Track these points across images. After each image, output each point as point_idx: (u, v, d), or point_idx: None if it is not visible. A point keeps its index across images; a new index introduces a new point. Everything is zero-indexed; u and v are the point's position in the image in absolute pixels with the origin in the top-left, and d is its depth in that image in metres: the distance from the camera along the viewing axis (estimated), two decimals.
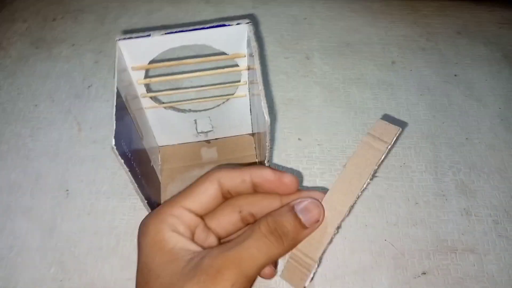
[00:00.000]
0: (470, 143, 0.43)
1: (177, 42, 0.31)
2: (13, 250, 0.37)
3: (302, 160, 0.42)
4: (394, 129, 0.24)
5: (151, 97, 0.36)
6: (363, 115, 0.45)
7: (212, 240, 0.25)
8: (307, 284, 0.24)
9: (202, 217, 0.25)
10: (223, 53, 0.33)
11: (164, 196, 0.39)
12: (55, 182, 0.41)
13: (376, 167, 0.24)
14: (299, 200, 0.24)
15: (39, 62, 0.50)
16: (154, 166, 0.38)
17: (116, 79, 0.28)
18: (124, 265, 0.36)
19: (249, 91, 0.37)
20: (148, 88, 0.35)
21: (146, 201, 0.31)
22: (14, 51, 0.51)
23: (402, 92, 0.47)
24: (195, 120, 0.40)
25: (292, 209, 0.23)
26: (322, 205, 0.24)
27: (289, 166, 0.42)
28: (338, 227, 0.24)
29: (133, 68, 0.32)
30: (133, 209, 0.39)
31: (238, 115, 0.40)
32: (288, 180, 0.24)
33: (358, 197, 0.24)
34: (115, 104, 0.27)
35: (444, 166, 0.42)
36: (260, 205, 0.25)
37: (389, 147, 0.24)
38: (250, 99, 0.38)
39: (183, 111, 0.39)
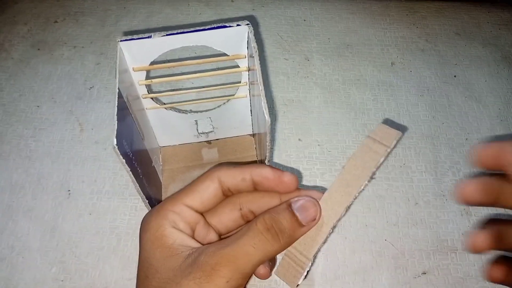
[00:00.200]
0: (470, 144, 0.44)
1: (178, 43, 0.31)
2: (15, 250, 0.37)
3: (303, 160, 0.43)
4: (395, 134, 0.24)
5: (152, 98, 0.36)
6: (363, 116, 0.46)
7: (212, 237, 0.25)
8: (300, 281, 0.24)
9: (202, 214, 0.25)
10: (224, 54, 0.33)
11: (165, 196, 0.39)
12: (56, 182, 0.41)
13: (375, 170, 0.24)
14: (296, 198, 0.24)
15: (41, 64, 0.50)
16: (155, 166, 0.38)
17: (117, 79, 0.28)
18: (125, 265, 0.36)
19: (249, 92, 0.37)
20: (149, 89, 0.36)
21: (147, 201, 0.31)
22: (15, 53, 0.51)
23: (402, 93, 0.48)
24: (196, 121, 0.40)
25: (289, 206, 0.24)
26: (319, 204, 0.24)
27: (289, 166, 0.42)
28: (334, 227, 0.24)
29: (134, 69, 0.33)
30: (134, 209, 0.39)
31: (238, 116, 0.40)
32: (287, 178, 0.24)
33: (355, 198, 0.24)
34: (116, 104, 0.27)
35: (444, 166, 0.42)
36: (259, 203, 0.26)
37: (389, 150, 0.24)
38: (250, 100, 0.38)
39: (184, 111, 0.39)
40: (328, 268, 0.36)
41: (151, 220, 0.24)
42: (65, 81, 0.48)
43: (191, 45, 0.31)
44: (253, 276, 0.30)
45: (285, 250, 0.24)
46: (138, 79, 0.34)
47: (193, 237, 0.24)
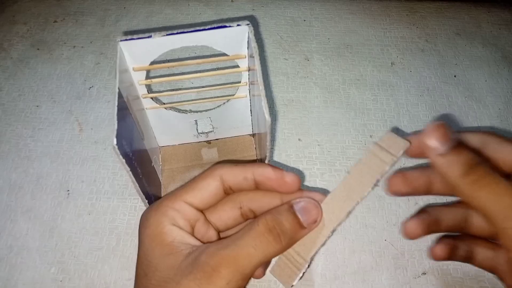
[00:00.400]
0: None
1: (178, 43, 0.31)
2: (13, 250, 0.37)
3: (302, 160, 0.42)
4: (402, 143, 0.24)
5: (152, 98, 0.36)
6: (363, 116, 0.46)
7: (211, 234, 0.25)
8: (295, 282, 0.24)
9: (202, 211, 0.25)
10: (224, 54, 0.33)
11: None
12: (56, 182, 0.41)
13: (380, 178, 0.24)
14: (298, 200, 0.24)
15: (40, 64, 0.50)
16: (155, 166, 0.38)
17: (117, 79, 0.28)
18: (125, 265, 0.36)
19: (249, 92, 0.37)
20: (149, 89, 0.36)
21: (147, 201, 0.31)
22: (15, 52, 0.51)
23: (402, 93, 0.48)
24: (196, 121, 0.40)
25: (291, 208, 0.23)
26: (321, 206, 0.24)
27: (289, 166, 0.42)
28: (333, 231, 0.24)
29: (134, 69, 0.33)
30: (134, 209, 0.39)
31: (238, 116, 0.40)
32: (290, 179, 0.24)
33: (357, 204, 0.24)
34: (116, 104, 0.27)
35: None
36: (260, 202, 0.25)
37: (395, 160, 0.24)
38: (250, 100, 0.38)
39: (184, 111, 0.39)
40: (327, 268, 0.36)
41: (150, 216, 0.24)
42: (65, 81, 0.48)
43: (191, 45, 0.31)
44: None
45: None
46: (138, 79, 0.34)
47: (192, 234, 0.24)
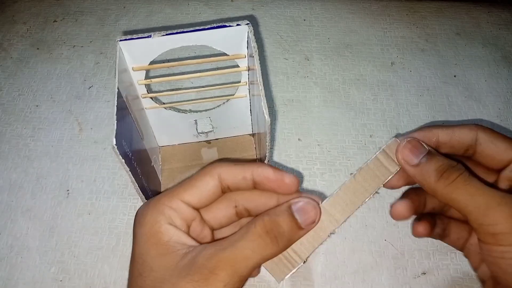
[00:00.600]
0: None
1: (177, 42, 0.31)
2: (13, 250, 0.37)
3: (302, 160, 0.42)
4: None
5: (151, 98, 0.36)
6: (363, 116, 0.46)
7: (206, 233, 0.25)
8: (286, 277, 0.24)
9: (199, 210, 0.25)
10: (223, 54, 0.33)
11: None
12: (55, 182, 0.41)
13: (382, 186, 0.25)
14: (296, 200, 0.24)
15: (40, 63, 0.50)
16: (154, 166, 0.38)
17: (117, 79, 0.28)
18: (124, 265, 0.36)
19: (249, 91, 0.37)
20: (149, 89, 0.36)
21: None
22: (15, 52, 0.51)
23: (402, 92, 0.48)
24: (196, 121, 0.40)
25: (289, 208, 0.23)
26: (319, 206, 0.24)
27: (289, 166, 0.42)
28: (332, 233, 0.24)
29: (134, 69, 0.33)
30: (134, 209, 0.39)
31: (238, 116, 0.40)
32: (289, 180, 0.24)
33: (358, 208, 0.24)
34: (116, 104, 0.27)
35: None
36: (256, 202, 0.25)
37: (399, 169, 0.25)
38: (250, 100, 0.38)
39: (184, 111, 0.39)
40: (327, 268, 0.36)
41: (147, 214, 0.23)
42: (64, 81, 0.48)
43: (191, 44, 0.31)
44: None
45: None
46: (138, 78, 0.34)
47: (188, 233, 0.24)
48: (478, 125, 0.26)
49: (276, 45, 0.52)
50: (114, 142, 0.25)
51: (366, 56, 0.51)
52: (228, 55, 0.33)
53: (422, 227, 0.28)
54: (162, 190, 0.40)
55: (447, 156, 0.25)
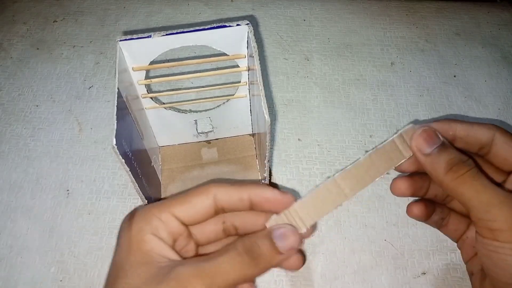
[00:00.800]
0: None
1: (177, 42, 0.31)
2: (13, 250, 0.37)
3: (302, 160, 0.42)
4: None
5: (151, 98, 0.36)
6: (363, 116, 0.46)
7: (190, 248, 0.25)
8: None
9: (188, 226, 0.25)
10: (223, 54, 0.33)
11: (164, 196, 0.39)
12: (55, 182, 0.41)
13: (394, 168, 0.26)
14: (277, 226, 0.24)
15: (40, 63, 0.50)
16: (154, 166, 0.38)
17: (117, 79, 0.28)
18: None
19: (249, 91, 0.37)
20: (149, 89, 0.36)
21: (146, 201, 0.31)
22: (15, 52, 0.51)
23: (402, 93, 0.48)
24: (195, 121, 0.40)
25: (269, 234, 0.23)
26: (299, 234, 0.24)
27: (289, 166, 0.42)
28: (339, 206, 0.25)
29: (134, 69, 0.33)
30: None
31: (238, 116, 0.40)
32: (286, 199, 0.24)
33: (365, 187, 0.25)
34: (116, 104, 0.27)
35: None
36: (244, 219, 0.25)
37: (412, 155, 0.26)
38: (250, 100, 0.38)
39: (184, 111, 0.39)
40: (327, 268, 0.36)
41: (133, 222, 0.23)
42: (64, 81, 0.48)
43: (191, 44, 0.31)
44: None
45: (286, 211, 0.24)
46: (138, 78, 0.34)
47: (173, 247, 0.23)
48: (497, 126, 0.26)
49: (276, 45, 0.52)
50: (114, 142, 0.25)
51: (366, 56, 0.51)
52: (228, 55, 0.33)
53: (416, 208, 0.28)
54: (162, 190, 0.40)
55: (460, 151, 0.25)
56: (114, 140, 0.25)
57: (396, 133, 0.26)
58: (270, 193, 0.24)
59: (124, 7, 0.55)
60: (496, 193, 0.23)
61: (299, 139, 0.44)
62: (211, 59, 0.33)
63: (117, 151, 0.25)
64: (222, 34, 0.31)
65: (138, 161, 0.30)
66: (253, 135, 0.43)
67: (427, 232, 0.38)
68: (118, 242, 0.23)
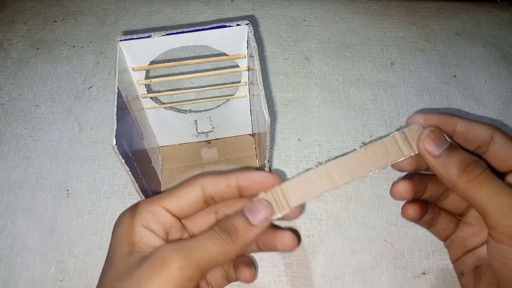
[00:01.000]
0: None
1: (177, 42, 0.31)
2: (13, 250, 0.37)
3: (302, 160, 0.42)
4: None
5: (151, 98, 0.36)
6: (363, 116, 0.46)
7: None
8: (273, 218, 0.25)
9: (180, 219, 0.25)
10: (223, 54, 0.33)
11: None
12: (55, 182, 0.41)
13: (390, 164, 0.25)
14: (250, 202, 0.25)
15: (40, 63, 0.50)
16: (154, 166, 0.38)
17: (117, 79, 0.28)
18: None
19: (249, 91, 0.37)
20: (149, 89, 0.36)
21: None
22: (15, 52, 0.51)
23: (402, 93, 0.48)
24: (196, 121, 0.40)
25: (242, 210, 0.24)
26: (271, 205, 0.25)
27: (289, 166, 0.42)
28: (326, 192, 0.25)
29: (134, 69, 0.33)
30: None
31: (238, 116, 0.40)
32: (274, 179, 0.25)
33: (358, 178, 0.25)
34: (116, 103, 0.27)
35: None
36: (235, 207, 0.26)
37: (413, 155, 0.25)
38: (250, 100, 0.38)
39: (184, 111, 0.39)
40: (327, 268, 0.36)
41: (124, 216, 0.24)
42: (64, 81, 0.48)
43: (191, 44, 0.31)
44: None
45: (273, 190, 0.25)
46: (138, 78, 0.34)
47: (166, 239, 0.24)
48: (495, 126, 0.26)
49: (276, 45, 0.52)
50: (114, 142, 0.25)
51: (366, 56, 0.51)
52: (228, 55, 0.33)
53: (412, 209, 0.28)
54: (162, 190, 0.40)
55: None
56: (114, 140, 0.25)
57: (397, 130, 0.25)
58: (256, 175, 0.25)
59: (124, 7, 0.55)
60: None
61: (299, 139, 0.44)
62: (211, 59, 0.33)
63: (117, 151, 0.25)
64: (222, 34, 0.31)
65: (138, 161, 0.30)
66: (253, 135, 0.43)
67: (427, 232, 0.38)
68: (111, 238, 0.24)
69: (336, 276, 0.36)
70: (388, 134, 0.25)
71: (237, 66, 0.34)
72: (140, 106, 0.36)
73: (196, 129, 0.41)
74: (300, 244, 0.37)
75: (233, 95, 0.38)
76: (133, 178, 0.28)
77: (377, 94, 0.47)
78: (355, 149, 0.25)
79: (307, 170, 0.25)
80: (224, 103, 0.38)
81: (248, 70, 0.34)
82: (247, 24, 0.30)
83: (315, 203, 0.39)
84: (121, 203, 0.40)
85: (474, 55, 0.51)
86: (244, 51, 0.33)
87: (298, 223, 0.38)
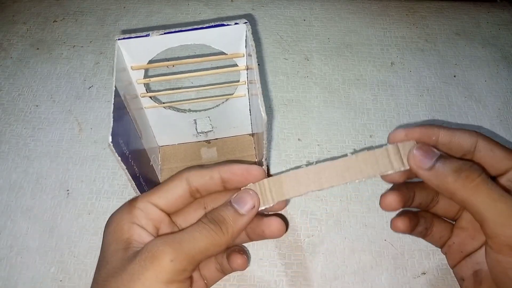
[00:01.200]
0: None
1: (176, 41, 0.31)
2: (13, 250, 0.37)
3: (302, 160, 0.42)
4: None
5: (150, 97, 0.36)
6: (363, 116, 0.46)
7: None
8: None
9: (169, 214, 0.26)
10: (222, 53, 0.33)
11: None
12: (55, 182, 0.41)
13: (378, 175, 0.25)
14: (236, 193, 0.25)
15: (40, 63, 0.50)
16: (153, 165, 0.38)
17: (114, 77, 0.28)
18: None
19: (248, 91, 0.37)
20: (148, 88, 0.36)
21: None
22: (15, 52, 0.51)
23: (402, 93, 0.48)
24: (195, 120, 0.40)
25: (229, 201, 0.25)
26: (257, 194, 0.25)
27: (289, 166, 0.42)
28: (310, 192, 0.25)
29: (133, 68, 0.33)
30: None
31: (237, 115, 0.40)
32: (256, 172, 0.25)
33: (342, 184, 0.25)
34: (113, 102, 0.27)
35: None
36: (223, 201, 0.26)
37: (402, 170, 0.25)
38: (249, 99, 0.38)
39: (183, 111, 0.39)
40: (327, 268, 0.36)
41: (114, 214, 0.25)
42: (64, 81, 0.48)
43: (189, 43, 0.31)
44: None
45: (261, 182, 0.25)
46: (137, 77, 0.34)
47: (157, 235, 0.25)
48: (478, 132, 0.26)
49: (275, 45, 0.51)
50: (110, 140, 0.25)
51: (366, 56, 0.51)
52: (227, 54, 0.33)
53: (400, 223, 0.28)
54: None
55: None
56: (110, 138, 0.25)
57: (392, 143, 0.25)
58: (236, 167, 0.25)
59: (124, 7, 0.55)
60: None
61: (299, 139, 0.44)
62: (210, 58, 0.33)
63: (113, 148, 0.25)
64: (220, 33, 0.31)
65: (136, 160, 0.30)
66: (252, 134, 0.43)
67: None
68: (103, 237, 0.25)
69: (336, 276, 0.36)
70: (382, 145, 0.26)
71: (236, 65, 0.34)
72: (139, 106, 0.36)
73: (196, 129, 0.41)
74: (300, 244, 0.37)
75: (232, 94, 0.38)
76: (130, 177, 0.28)
77: (377, 94, 0.47)
78: (347, 155, 0.25)
79: (297, 167, 0.25)
80: (223, 102, 0.38)
81: (247, 69, 0.34)
82: (245, 22, 0.30)
83: (315, 203, 0.39)
84: (121, 203, 0.39)
85: (474, 55, 0.51)
86: (243, 50, 0.33)
87: (298, 223, 0.38)
